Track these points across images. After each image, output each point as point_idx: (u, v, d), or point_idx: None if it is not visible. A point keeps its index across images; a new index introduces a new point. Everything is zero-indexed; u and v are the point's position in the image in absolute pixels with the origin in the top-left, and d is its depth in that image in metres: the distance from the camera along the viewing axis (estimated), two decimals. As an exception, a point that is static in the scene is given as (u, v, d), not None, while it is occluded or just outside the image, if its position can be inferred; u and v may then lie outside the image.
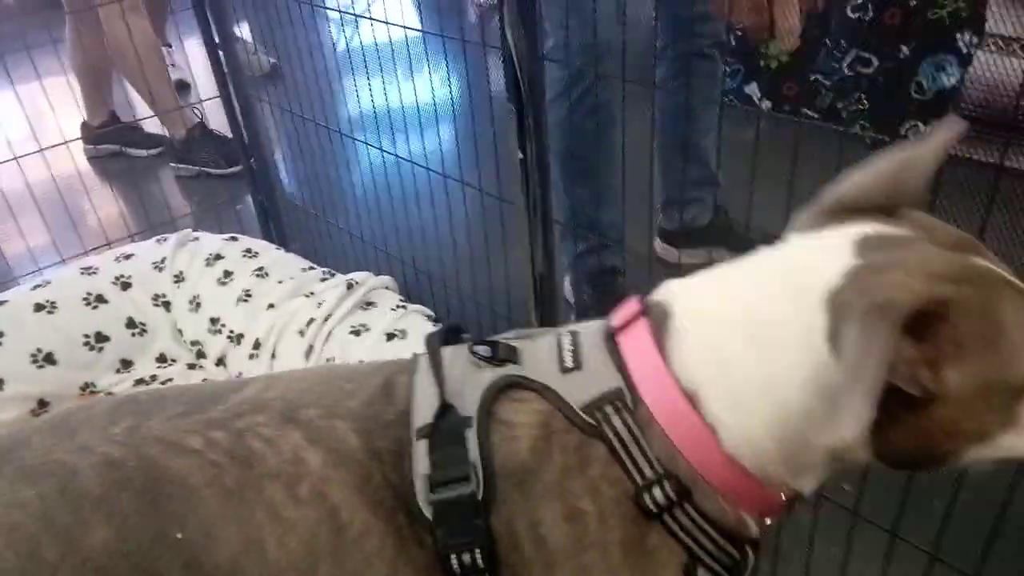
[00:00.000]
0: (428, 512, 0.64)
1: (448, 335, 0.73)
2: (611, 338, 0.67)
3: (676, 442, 0.62)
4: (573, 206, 1.88)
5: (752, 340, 0.61)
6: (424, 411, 0.66)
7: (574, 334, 0.70)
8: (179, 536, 0.63)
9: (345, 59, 2.20)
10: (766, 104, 3.02)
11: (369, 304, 1.71)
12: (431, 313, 1.72)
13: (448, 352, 0.71)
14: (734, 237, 2.12)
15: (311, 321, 1.64)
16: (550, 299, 1.38)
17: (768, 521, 0.68)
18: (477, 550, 0.63)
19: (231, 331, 1.70)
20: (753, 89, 3.03)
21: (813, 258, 0.62)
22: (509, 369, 0.68)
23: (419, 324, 1.64)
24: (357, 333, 1.60)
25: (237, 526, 0.64)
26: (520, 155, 1.19)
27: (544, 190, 1.24)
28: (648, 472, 0.62)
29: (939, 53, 2.50)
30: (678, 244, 2.16)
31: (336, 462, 0.65)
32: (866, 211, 0.64)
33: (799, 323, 0.59)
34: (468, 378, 0.68)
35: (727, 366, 0.62)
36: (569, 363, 0.66)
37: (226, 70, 2.03)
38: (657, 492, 0.62)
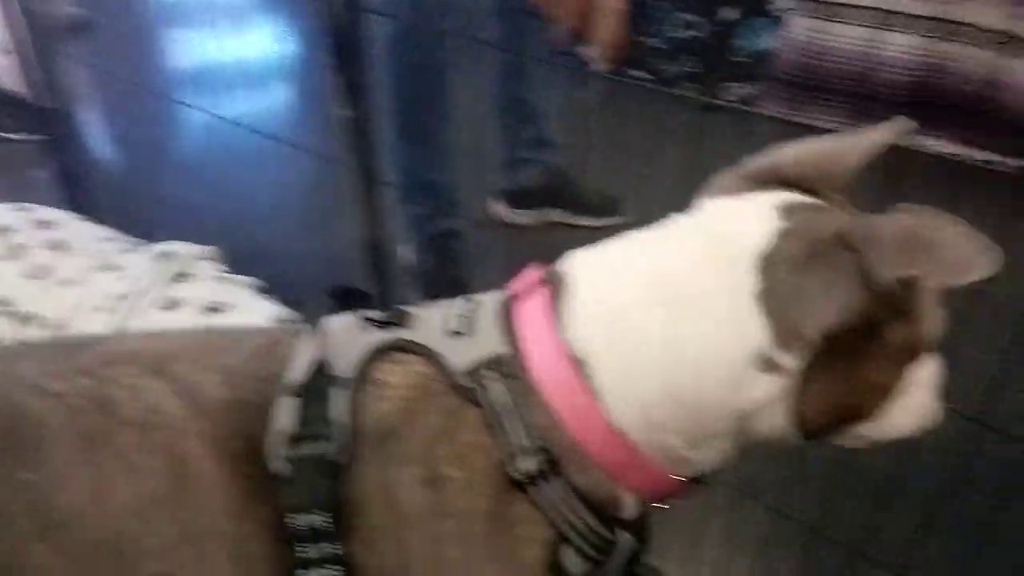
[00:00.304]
0: (281, 469, 0.62)
1: (349, 300, 0.72)
2: (507, 305, 0.66)
3: (556, 411, 0.60)
4: (409, 168, 1.82)
5: (661, 303, 0.59)
6: (299, 369, 0.65)
7: (471, 301, 0.68)
8: (30, 477, 0.62)
9: (164, 11, 1.99)
10: (597, 66, 3.07)
11: (183, 275, 1.57)
12: (260, 283, 1.61)
13: (340, 317, 0.70)
14: (571, 198, 2.15)
15: (119, 297, 1.48)
16: (384, 265, 1.32)
17: (660, 505, 0.66)
18: (323, 512, 0.61)
19: (25, 311, 1.51)
20: (585, 51, 3.07)
21: (737, 221, 0.61)
22: (394, 332, 0.66)
23: (245, 296, 1.53)
24: (170, 308, 1.47)
25: (86, 471, 0.63)
26: (345, 113, 1.11)
27: (372, 150, 1.17)
28: (521, 441, 0.60)
29: (755, 17, 2.63)
30: (515, 205, 2.16)
31: (196, 413, 0.64)
32: (784, 185, 0.64)
33: (722, 284, 0.58)
34: (352, 340, 0.66)
35: (624, 331, 0.60)
36: (457, 327, 0.65)
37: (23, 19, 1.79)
38: (526, 462, 0.60)
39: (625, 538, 0.64)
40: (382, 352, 0.65)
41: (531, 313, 0.64)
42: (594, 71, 2.99)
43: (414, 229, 1.94)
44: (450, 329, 0.65)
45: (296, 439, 0.62)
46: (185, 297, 1.50)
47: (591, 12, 1.00)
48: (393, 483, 0.61)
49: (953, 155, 2.38)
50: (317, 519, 0.60)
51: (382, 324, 0.67)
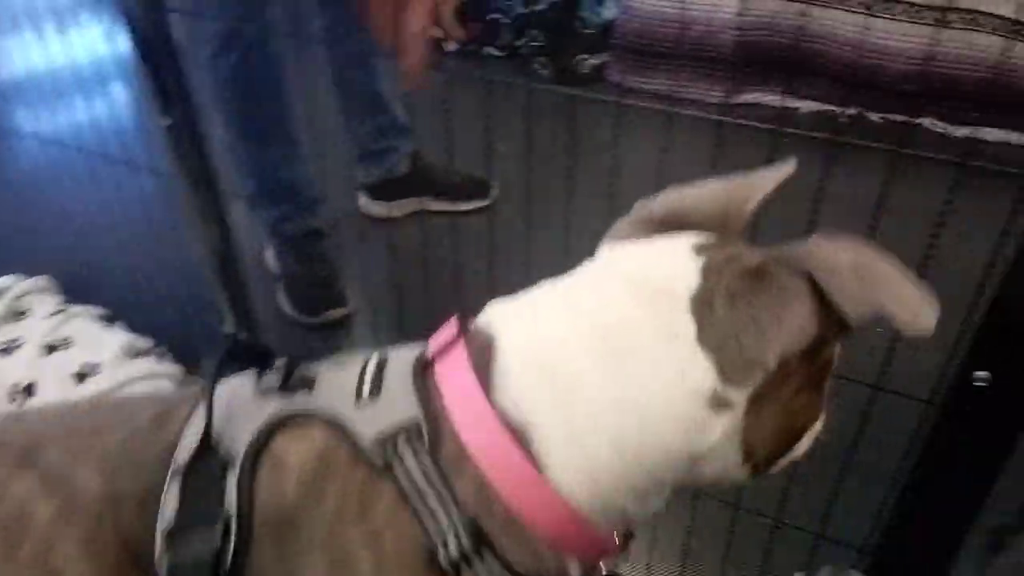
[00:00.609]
0: (163, 572, 0.55)
1: (244, 358, 0.62)
2: (422, 365, 0.59)
3: (491, 483, 0.54)
4: (259, 170, 1.73)
5: (600, 358, 0.55)
6: (186, 449, 0.57)
7: (382, 360, 0.61)
8: None
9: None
10: (451, 45, 3.03)
11: (21, 314, 1.44)
12: (101, 312, 1.49)
13: (235, 381, 0.62)
14: (438, 183, 2.11)
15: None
16: (236, 277, 1.25)
17: (600, 566, 0.63)
18: None
19: None
20: (437, 30, 3.03)
21: (656, 265, 0.58)
22: (295, 399, 0.59)
23: (87, 328, 1.41)
24: (7, 351, 1.34)
25: None
26: (165, 121, 1.03)
27: (203, 157, 1.09)
28: (443, 519, 0.54)
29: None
30: (383, 197, 2.10)
31: (68, 514, 0.57)
32: (684, 228, 0.62)
33: (660, 331, 0.55)
34: (248, 411, 0.59)
35: (567, 393, 0.55)
36: (366, 392, 0.58)
37: None
38: (452, 542, 0.54)
39: None
40: (281, 423, 0.58)
41: (454, 373, 0.58)
42: (446, 51, 2.96)
43: (273, 233, 1.86)
44: (358, 392, 0.58)
45: (180, 534, 0.55)
46: (22, 336, 1.38)
47: (401, 33, 0.97)
48: (295, 574, 0.55)
49: (781, 107, 2.51)
50: None
51: (283, 389, 0.60)
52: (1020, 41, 2.18)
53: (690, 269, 0.57)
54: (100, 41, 2.43)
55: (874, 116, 2.45)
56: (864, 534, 0.99)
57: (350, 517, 0.55)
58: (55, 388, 1.25)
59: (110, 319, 1.48)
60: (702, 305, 0.55)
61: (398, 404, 0.57)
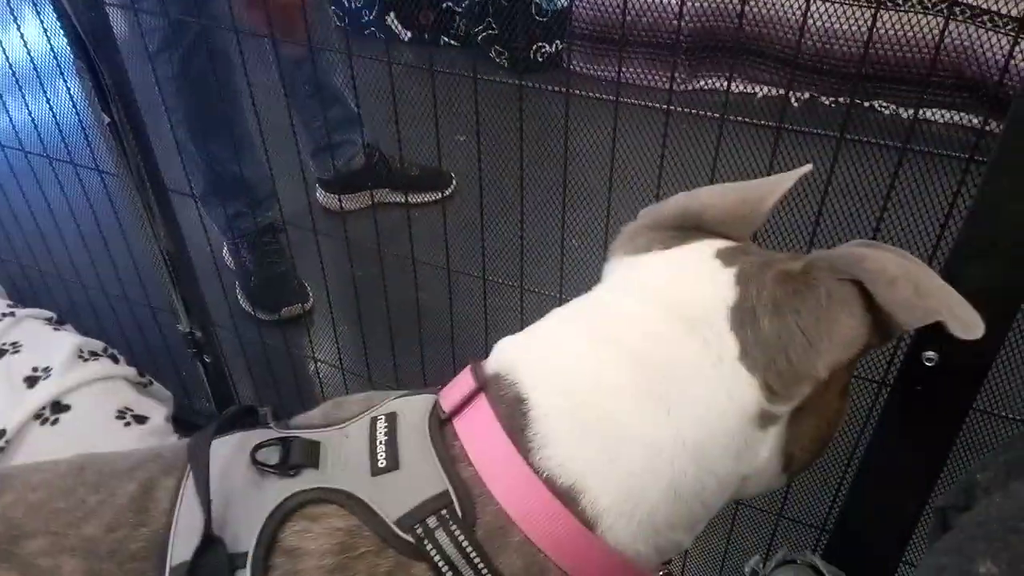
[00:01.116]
0: None
1: (234, 420, 0.57)
2: (439, 424, 0.54)
3: (544, 550, 0.50)
4: (211, 166, 1.70)
5: (644, 398, 0.51)
6: (184, 543, 0.51)
7: (391, 419, 0.55)
8: None
9: None
10: (406, 35, 3.00)
11: (-37, 320, 1.39)
12: (50, 315, 1.45)
13: (225, 454, 0.56)
14: (395, 176, 2.09)
15: None
16: (188, 276, 1.22)
17: None
18: None
19: None
20: (392, 20, 2.99)
21: (684, 279, 0.55)
22: (302, 479, 0.53)
23: (36, 330, 1.37)
24: (-48, 360, 1.30)
25: None
26: (106, 118, 1.00)
27: (148, 154, 1.07)
28: None
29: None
30: (339, 191, 2.08)
31: None
32: (699, 231, 0.60)
33: (703, 354, 0.51)
34: (248, 496, 0.53)
35: (616, 444, 0.51)
36: (382, 462, 0.53)
37: None
38: None
39: None
40: (292, 510, 0.52)
41: (483, 436, 0.52)
42: (402, 41, 2.92)
43: (228, 230, 1.83)
44: (372, 465, 0.53)
45: None
46: (-35, 343, 1.33)
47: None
48: None
49: (738, 92, 2.53)
50: None
51: (284, 468, 0.53)
52: (959, 22, 2.22)
53: (723, 281, 0.54)
54: (41, 38, 2.35)
55: (825, 100, 2.49)
56: (823, 514, 1.01)
57: None
58: (5, 393, 1.22)
59: (60, 322, 1.44)
60: (743, 319, 0.52)
61: (422, 475, 0.52)
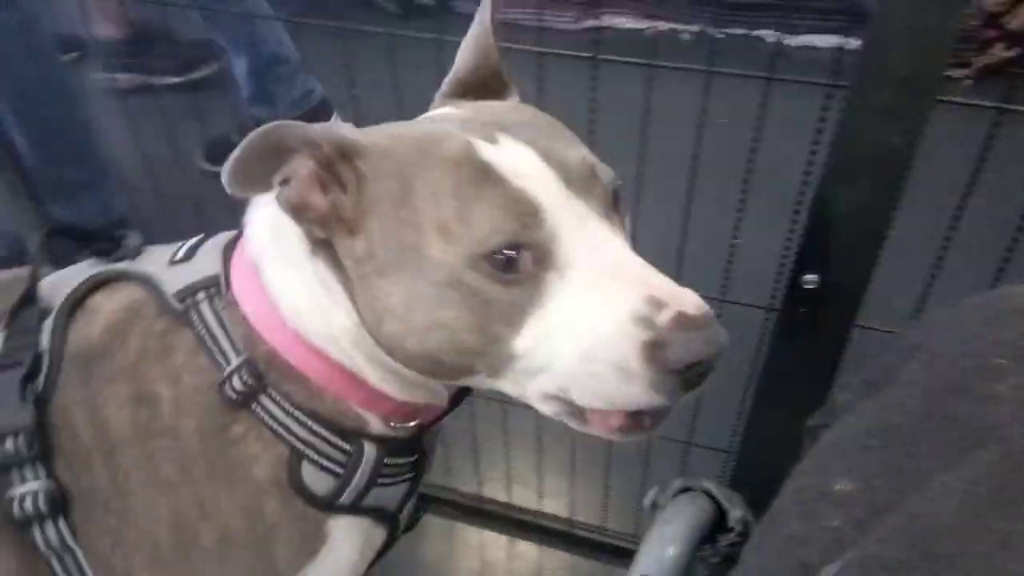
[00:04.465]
0: None
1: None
2: (236, 241, 0.65)
3: (254, 324, 0.60)
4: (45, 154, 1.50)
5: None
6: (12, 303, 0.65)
7: (206, 236, 0.67)
8: None
9: None
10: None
11: None
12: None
13: (84, 257, 0.69)
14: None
15: None
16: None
17: (412, 424, 0.65)
18: (20, 435, 0.59)
19: None
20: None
21: None
22: (117, 264, 0.66)
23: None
24: None
25: None
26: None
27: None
28: (232, 359, 0.59)
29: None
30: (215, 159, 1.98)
31: None
32: (481, 90, 0.67)
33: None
34: (74, 276, 0.66)
35: (276, 229, 0.60)
36: (179, 256, 0.64)
37: None
38: (235, 379, 0.59)
39: (370, 450, 0.62)
40: (99, 283, 0.64)
41: (241, 239, 0.64)
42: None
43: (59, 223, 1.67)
44: (172, 258, 0.65)
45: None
46: None
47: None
48: (99, 403, 0.60)
49: (633, 28, 2.53)
50: (14, 443, 0.59)
51: (110, 258, 0.66)
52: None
53: None
54: None
55: (717, 33, 2.51)
56: (728, 440, 1.05)
57: (152, 357, 0.60)
58: None
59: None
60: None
61: (202, 264, 0.63)
